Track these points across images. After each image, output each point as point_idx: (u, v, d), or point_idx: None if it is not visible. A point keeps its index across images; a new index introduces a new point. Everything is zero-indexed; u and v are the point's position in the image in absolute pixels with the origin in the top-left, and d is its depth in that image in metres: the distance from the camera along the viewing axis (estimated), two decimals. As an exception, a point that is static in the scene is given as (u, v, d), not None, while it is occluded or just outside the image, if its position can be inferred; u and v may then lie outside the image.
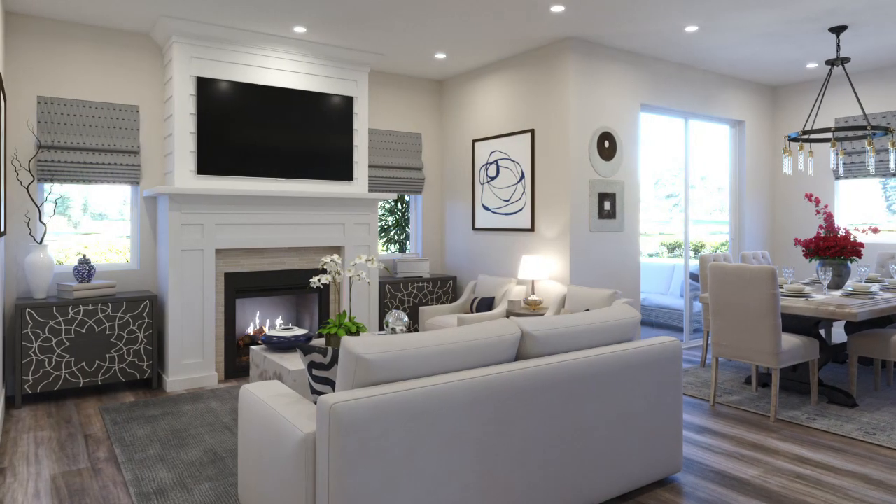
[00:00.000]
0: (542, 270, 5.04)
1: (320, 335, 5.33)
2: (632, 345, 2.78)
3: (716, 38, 5.00)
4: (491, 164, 5.84)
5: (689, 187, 6.15)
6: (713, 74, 6.15)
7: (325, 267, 3.74)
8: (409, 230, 6.79)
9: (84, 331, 4.34)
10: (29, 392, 4.18)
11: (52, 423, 3.84)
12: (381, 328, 5.79)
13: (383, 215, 7.69)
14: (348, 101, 5.42)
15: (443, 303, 6.18)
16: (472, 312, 5.52)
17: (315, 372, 2.36)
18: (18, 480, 2.98)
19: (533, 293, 5.13)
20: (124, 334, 4.49)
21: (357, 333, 3.86)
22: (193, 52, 4.67)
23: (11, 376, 4.50)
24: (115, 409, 4.10)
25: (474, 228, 6.08)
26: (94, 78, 4.73)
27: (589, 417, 2.54)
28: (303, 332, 3.93)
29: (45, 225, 4.43)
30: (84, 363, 4.35)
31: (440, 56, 5.53)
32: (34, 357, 4.18)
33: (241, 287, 4.96)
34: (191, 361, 4.65)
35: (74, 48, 4.65)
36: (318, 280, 3.81)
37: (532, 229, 5.36)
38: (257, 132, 4.97)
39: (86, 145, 4.64)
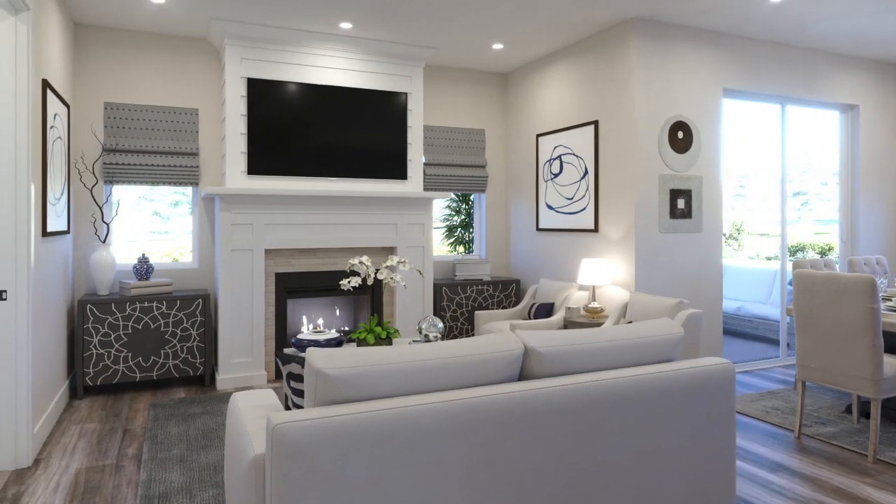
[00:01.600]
0: (604, 275, 4.59)
1: (351, 339, 5.21)
2: (669, 366, 2.35)
3: (811, 9, 4.30)
4: (554, 159, 5.44)
5: (786, 181, 5.39)
6: (815, 52, 5.35)
7: (352, 269, 3.58)
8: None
9: (140, 327, 4.49)
10: (90, 384, 4.38)
11: (102, 416, 3.98)
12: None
13: (449, 215, 7.48)
14: (402, 98, 5.26)
15: (504, 307, 5.86)
16: (529, 319, 5.16)
17: (293, 384, 2.18)
18: (47, 473, 3.06)
19: (594, 300, 4.69)
20: (178, 331, 4.60)
21: (388, 340, 3.68)
22: (244, 53, 4.71)
23: (77, 369, 4.76)
24: (162, 404, 4.20)
25: (538, 229, 5.70)
26: (157, 83, 4.91)
27: (606, 451, 2.16)
28: (334, 335, 3.80)
29: (107, 225, 4.64)
30: (140, 358, 4.50)
31: (497, 46, 5.22)
32: (94, 351, 4.38)
33: (292, 287, 4.94)
34: (240, 360, 4.69)
35: (138, 55, 4.85)
36: (349, 282, 3.67)
37: (595, 230, 4.91)
38: (308, 131, 4.93)
39: (148, 148, 4.82)
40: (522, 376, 2.23)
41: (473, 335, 5.72)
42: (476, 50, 5.35)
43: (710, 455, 2.37)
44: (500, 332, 2.23)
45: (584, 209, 5.05)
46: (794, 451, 3.34)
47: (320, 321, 4.83)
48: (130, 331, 4.47)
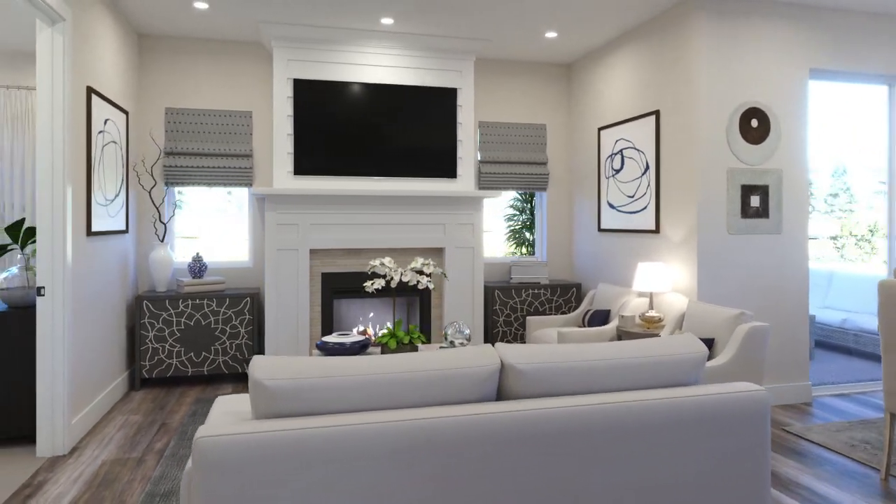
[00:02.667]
0: (663, 281, 4.15)
1: (376, 344, 5.06)
2: (682, 391, 2.00)
3: (921, -32, 3.62)
4: (615, 154, 5.03)
5: (894, 175, 4.63)
6: (936, 22, 4.53)
7: (373, 270, 3.46)
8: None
9: (192, 323, 4.65)
10: (146, 377, 4.59)
11: (148, 409, 4.14)
12: (486, 339, 5.35)
13: (513, 215, 7.19)
14: (451, 94, 5.08)
15: (563, 313, 5.51)
16: (584, 326, 4.80)
17: (258, 391, 2.07)
18: (77, 462, 3.20)
19: (651, 308, 4.26)
20: (227, 328, 4.72)
21: (413, 345, 3.52)
22: (290, 54, 4.74)
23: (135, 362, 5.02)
24: (206, 400, 4.31)
25: (599, 229, 5.30)
26: (214, 87, 5.07)
27: (590, 490, 1.86)
28: (359, 338, 3.69)
29: (165, 225, 4.85)
30: (192, 354, 4.66)
31: (550, 35, 4.89)
32: (150, 345, 4.59)
33: (338, 287, 4.92)
34: (285, 359, 4.73)
35: (198, 61, 5.04)
36: (371, 284, 3.55)
37: (657, 230, 4.46)
38: (354, 130, 4.89)
39: (205, 151, 4.99)
40: (501, 396, 1.98)
41: (525, 342, 5.43)
42: (529, 40, 5.06)
43: (736, 498, 1.98)
44: (478, 346, 2.00)
45: (644, 208, 4.61)
46: (875, 497, 2.79)
47: (360, 320, 4.76)
48: (183, 327, 4.64)
